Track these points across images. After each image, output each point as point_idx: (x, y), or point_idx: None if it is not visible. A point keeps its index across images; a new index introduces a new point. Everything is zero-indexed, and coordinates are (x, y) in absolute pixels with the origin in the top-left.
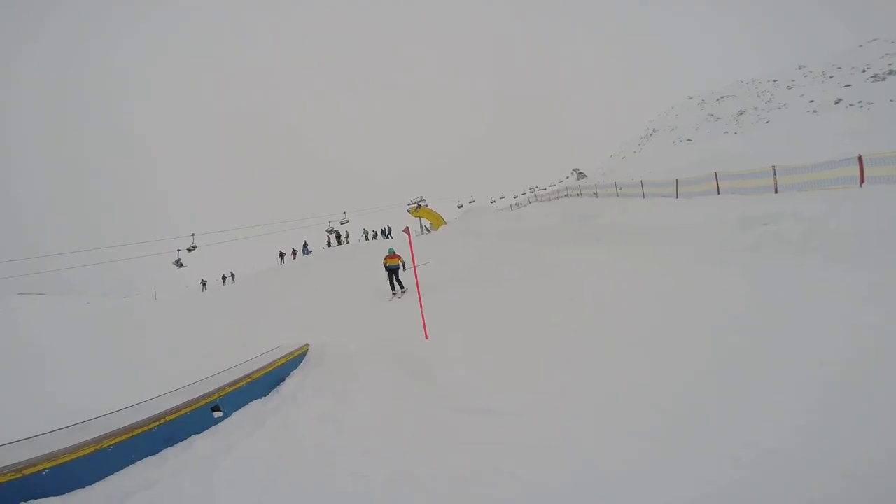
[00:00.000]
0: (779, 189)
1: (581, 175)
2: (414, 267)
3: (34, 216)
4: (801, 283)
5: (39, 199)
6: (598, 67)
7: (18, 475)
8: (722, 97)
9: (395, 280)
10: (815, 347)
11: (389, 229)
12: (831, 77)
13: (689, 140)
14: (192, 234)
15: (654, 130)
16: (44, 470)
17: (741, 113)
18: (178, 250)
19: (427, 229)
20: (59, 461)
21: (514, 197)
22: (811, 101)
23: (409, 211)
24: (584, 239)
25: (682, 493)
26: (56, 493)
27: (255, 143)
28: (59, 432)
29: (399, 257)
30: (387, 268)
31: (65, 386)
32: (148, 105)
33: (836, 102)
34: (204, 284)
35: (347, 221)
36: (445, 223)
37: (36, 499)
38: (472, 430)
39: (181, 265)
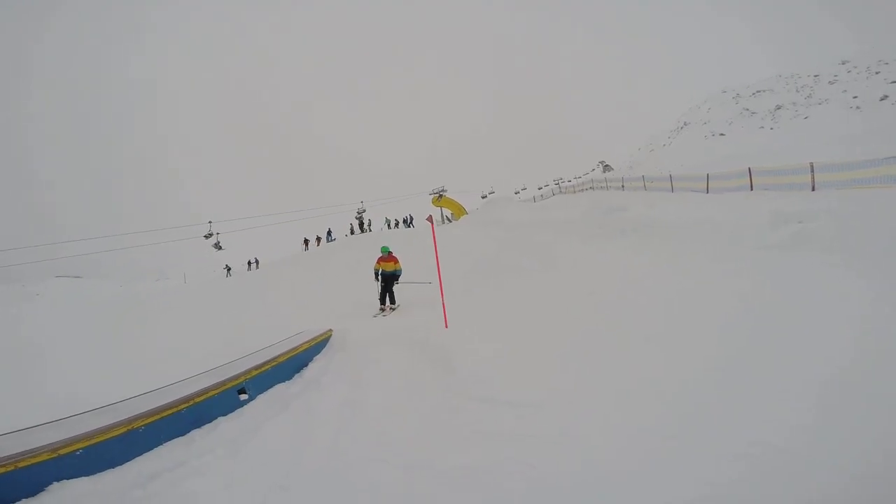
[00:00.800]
0: (816, 187)
1: (607, 168)
2: (436, 253)
3: (67, 206)
4: (831, 283)
5: (74, 190)
6: (609, 62)
7: (54, 455)
8: (758, 91)
9: (387, 290)
10: (830, 347)
11: (411, 218)
12: (877, 73)
13: (721, 134)
14: (210, 222)
15: (685, 124)
16: (78, 450)
17: (778, 108)
18: (218, 233)
19: (448, 219)
20: (93, 441)
21: (539, 189)
22: (855, 97)
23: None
24: (609, 232)
25: (686, 493)
26: (88, 474)
27: (264, 140)
28: (89, 414)
29: (396, 260)
30: (380, 274)
31: (82, 374)
32: (150, 104)
33: (881, 99)
34: (228, 270)
35: (364, 211)
36: (467, 213)
37: (69, 479)
38: (490, 420)
39: (220, 247)
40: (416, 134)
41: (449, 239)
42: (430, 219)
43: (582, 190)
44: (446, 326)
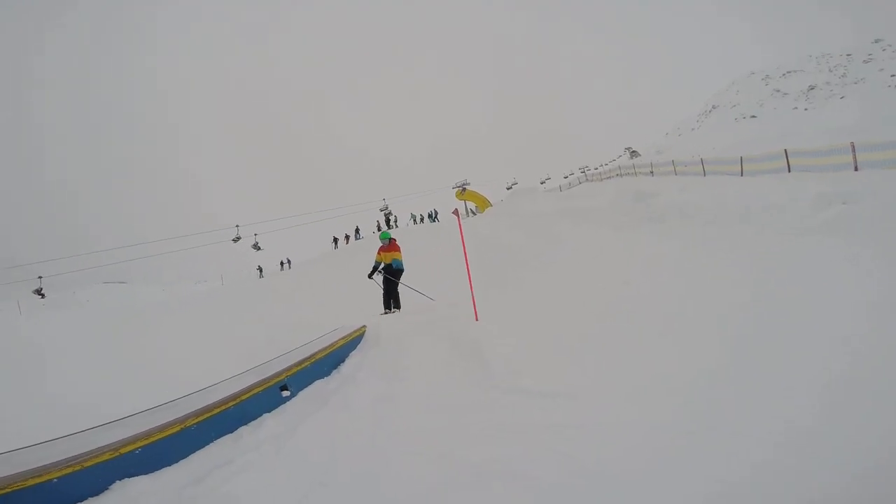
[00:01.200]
0: (859, 167)
1: (634, 154)
2: (463, 247)
3: (101, 214)
4: (858, 272)
5: (117, 200)
6: (609, 62)
7: (116, 454)
8: (789, 72)
9: (391, 291)
10: (851, 341)
11: (436, 212)
12: None
13: (752, 117)
14: (237, 226)
15: (714, 107)
16: (137, 448)
17: (811, 88)
18: (256, 234)
19: (472, 212)
20: (151, 439)
21: (564, 177)
22: (893, 76)
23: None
24: (639, 220)
25: (696, 492)
26: (147, 472)
27: (275, 143)
28: (145, 413)
29: (398, 249)
30: (382, 270)
31: (84, 379)
32: (152, 105)
33: None
34: (260, 271)
35: (387, 207)
36: (491, 205)
37: (130, 477)
38: (523, 412)
39: (258, 248)
40: (420, 132)
41: (475, 232)
42: (455, 212)
43: (609, 177)
44: (476, 319)
